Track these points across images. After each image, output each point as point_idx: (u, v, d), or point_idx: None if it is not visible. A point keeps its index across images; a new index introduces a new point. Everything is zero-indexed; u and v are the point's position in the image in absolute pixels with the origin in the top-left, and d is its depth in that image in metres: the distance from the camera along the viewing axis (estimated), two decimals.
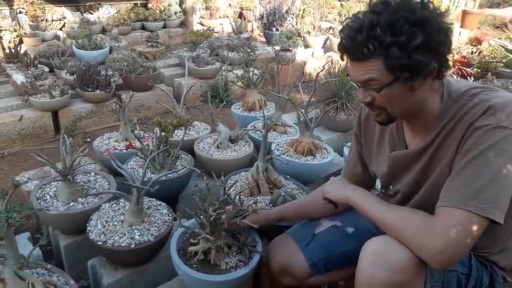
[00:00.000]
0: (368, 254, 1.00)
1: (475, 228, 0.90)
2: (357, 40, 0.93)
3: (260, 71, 2.88)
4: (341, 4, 6.86)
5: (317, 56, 5.23)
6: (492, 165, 0.91)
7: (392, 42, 0.90)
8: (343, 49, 0.99)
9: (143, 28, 6.04)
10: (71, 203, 1.64)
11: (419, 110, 1.04)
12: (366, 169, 1.35)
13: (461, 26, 6.27)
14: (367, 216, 1.09)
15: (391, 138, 1.19)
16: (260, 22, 5.85)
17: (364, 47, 0.92)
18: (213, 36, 4.78)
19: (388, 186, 1.23)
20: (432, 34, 0.91)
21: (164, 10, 6.34)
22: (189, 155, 2.10)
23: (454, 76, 3.45)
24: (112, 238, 1.44)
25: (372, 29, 0.91)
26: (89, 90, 3.23)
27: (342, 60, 1.02)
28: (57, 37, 5.15)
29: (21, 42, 4.52)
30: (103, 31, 5.48)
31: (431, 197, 1.02)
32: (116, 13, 5.86)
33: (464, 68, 3.71)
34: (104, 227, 1.50)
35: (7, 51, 3.92)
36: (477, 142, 0.94)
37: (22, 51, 3.91)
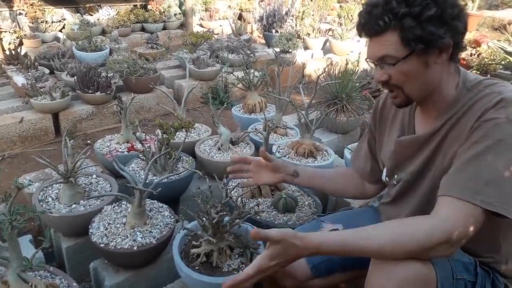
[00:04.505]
0: (378, 266, 0.99)
1: (477, 220, 0.91)
2: (373, 14, 0.98)
3: (260, 73, 2.89)
4: (340, 6, 6.87)
5: (317, 57, 5.24)
6: (500, 159, 0.92)
7: (406, 13, 0.94)
8: (360, 25, 1.03)
9: (143, 29, 6.05)
10: (73, 206, 1.65)
11: (434, 91, 1.06)
12: (376, 164, 1.37)
13: None
14: (357, 252, 0.96)
15: (402, 123, 1.21)
16: (259, 24, 5.87)
17: (380, 20, 0.97)
18: (213, 38, 4.79)
19: (393, 175, 1.24)
20: (446, 7, 0.94)
21: (164, 11, 6.36)
22: (190, 157, 2.10)
23: None
24: (114, 240, 1.45)
25: (387, 3, 0.96)
26: (90, 92, 3.24)
27: (360, 36, 1.05)
28: (57, 39, 5.16)
29: (21, 43, 4.51)
30: (103, 32, 5.48)
31: (434, 188, 1.02)
32: (116, 14, 5.87)
33: None
34: (106, 229, 1.50)
35: (7, 52, 3.92)
36: (486, 135, 0.94)
37: (22, 53, 3.90)
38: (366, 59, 1.09)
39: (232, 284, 1.00)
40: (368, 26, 1.00)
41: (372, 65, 1.08)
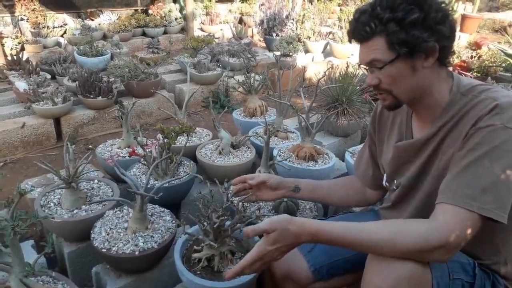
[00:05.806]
0: (374, 264, 0.99)
1: (474, 226, 0.93)
2: (360, 20, 1.02)
3: (261, 77, 2.90)
4: (340, 9, 6.90)
5: (317, 61, 5.25)
6: (496, 166, 0.93)
7: (390, 18, 0.97)
8: (350, 31, 1.07)
9: (144, 34, 6.07)
10: (75, 211, 1.65)
11: (424, 95, 1.07)
12: (377, 170, 1.38)
13: (461, 30, 6.29)
14: (355, 244, 0.98)
15: (400, 129, 1.22)
16: (260, 28, 5.88)
17: (367, 26, 1.01)
18: (213, 42, 4.81)
19: (392, 180, 1.25)
20: (430, 12, 0.97)
21: (164, 16, 6.38)
22: (192, 162, 2.11)
23: None
24: (116, 245, 1.45)
25: (373, 9, 1.00)
26: (91, 96, 3.25)
27: (350, 42, 1.09)
28: (58, 44, 5.19)
29: (22, 49, 4.55)
30: (104, 37, 5.51)
31: (432, 193, 1.03)
32: (117, 19, 5.90)
33: (464, 73, 3.72)
34: (108, 234, 1.50)
35: (9, 58, 3.94)
36: (482, 142, 0.96)
37: (24, 58, 3.93)
38: (358, 64, 1.11)
39: (233, 273, 1.05)
40: (357, 32, 1.04)
41: (364, 70, 1.11)
